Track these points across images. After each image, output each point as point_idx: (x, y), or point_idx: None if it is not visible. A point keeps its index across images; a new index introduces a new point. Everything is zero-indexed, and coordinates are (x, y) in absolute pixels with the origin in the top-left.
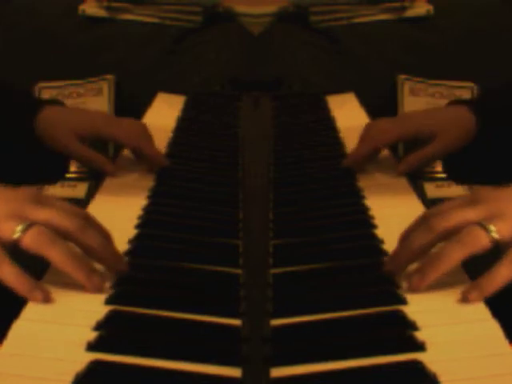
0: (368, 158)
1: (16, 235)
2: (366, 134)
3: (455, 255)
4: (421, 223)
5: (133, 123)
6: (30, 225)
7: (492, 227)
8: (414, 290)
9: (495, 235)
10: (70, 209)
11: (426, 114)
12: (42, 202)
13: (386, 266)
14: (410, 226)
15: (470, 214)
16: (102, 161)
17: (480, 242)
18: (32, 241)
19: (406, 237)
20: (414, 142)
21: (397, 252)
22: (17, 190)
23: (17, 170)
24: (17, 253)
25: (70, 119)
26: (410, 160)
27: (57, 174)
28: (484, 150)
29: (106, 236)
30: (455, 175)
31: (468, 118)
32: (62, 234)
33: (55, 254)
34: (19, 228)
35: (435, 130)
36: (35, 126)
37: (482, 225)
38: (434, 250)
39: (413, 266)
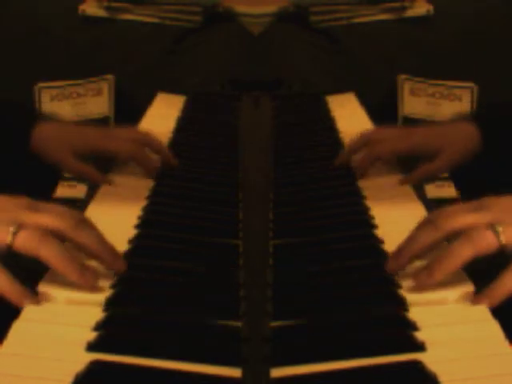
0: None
1: (8, 238)
2: (369, 141)
3: (464, 253)
4: (427, 223)
5: (126, 132)
6: (20, 226)
7: (500, 228)
8: (420, 286)
9: (503, 237)
10: (63, 211)
11: (431, 129)
12: (36, 208)
13: (389, 263)
14: (416, 226)
15: (478, 218)
16: (93, 175)
17: (488, 242)
18: (24, 241)
19: (411, 235)
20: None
21: (401, 248)
22: (11, 198)
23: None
24: (16, 254)
25: (64, 135)
26: (415, 176)
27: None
28: (490, 162)
29: (101, 236)
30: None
31: (472, 133)
32: (56, 235)
33: (46, 253)
34: (11, 229)
35: (440, 146)
36: (31, 140)
37: (489, 226)
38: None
39: (415, 265)
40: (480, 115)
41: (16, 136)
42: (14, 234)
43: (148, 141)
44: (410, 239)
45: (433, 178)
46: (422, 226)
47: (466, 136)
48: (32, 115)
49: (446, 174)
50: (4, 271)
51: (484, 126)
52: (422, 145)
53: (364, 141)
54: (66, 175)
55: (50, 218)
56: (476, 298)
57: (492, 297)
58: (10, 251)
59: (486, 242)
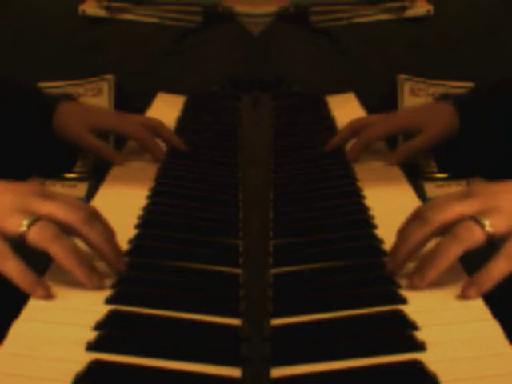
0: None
1: (22, 229)
2: (357, 127)
3: (452, 251)
4: (416, 217)
5: (139, 118)
6: (35, 219)
7: (486, 221)
8: (415, 288)
9: (489, 229)
10: (75, 202)
11: (414, 109)
12: (47, 195)
13: (387, 266)
14: (406, 220)
15: (465, 207)
16: (110, 152)
17: (475, 236)
18: (36, 235)
19: (402, 232)
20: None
21: (395, 249)
22: (22, 184)
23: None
24: (20, 248)
25: (83, 113)
26: (401, 150)
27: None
28: (479, 146)
29: (110, 232)
30: (454, 171)
31: (451, 113)
32: (66, 228)
33: (58, 250)
34: (25, 222)
35: (421, 124)
36: (53, 119)
37: (476, 219)
38: (430, 245)
39: (412, 264)
40: (459, 97)
41: (39, 112)
42: (28, 226)
43: (158, 128)
44: (403, 237)
45: (431, 172)
46: (412, 221)
47: (446, 115)
48: (53, 97)
49: (445, 175)
50: (16, 258)
51: (460, 106)
52: (406, 124)
53: (353, 128)
54: (68, 175)
55: (62, 209)
56: (464, 287)
57: (479, 284)
58: (20, 242)
59: (473, 237)
